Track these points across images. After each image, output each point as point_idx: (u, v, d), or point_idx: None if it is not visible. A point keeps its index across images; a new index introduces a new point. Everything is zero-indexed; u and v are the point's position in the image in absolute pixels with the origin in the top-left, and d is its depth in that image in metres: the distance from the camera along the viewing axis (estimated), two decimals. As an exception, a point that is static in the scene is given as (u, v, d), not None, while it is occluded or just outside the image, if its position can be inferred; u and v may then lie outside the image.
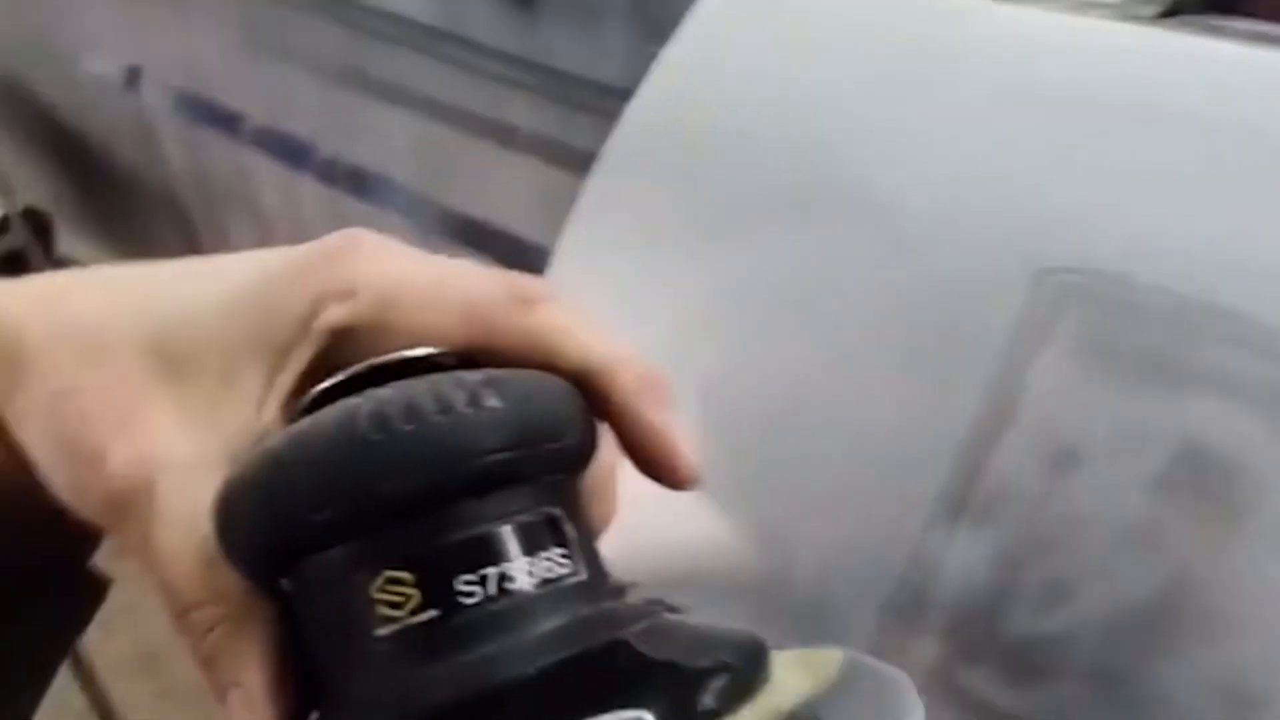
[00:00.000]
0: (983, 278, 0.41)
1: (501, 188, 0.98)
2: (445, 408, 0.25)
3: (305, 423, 0.26)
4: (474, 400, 0.25)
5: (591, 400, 0.29)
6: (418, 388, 0.25)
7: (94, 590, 0.37)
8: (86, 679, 1.18)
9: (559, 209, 0.52)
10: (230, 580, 0.27)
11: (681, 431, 0.30)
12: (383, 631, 0.25)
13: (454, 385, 0.26)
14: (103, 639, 1.21)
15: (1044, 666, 0.39)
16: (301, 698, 0.28)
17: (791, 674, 0.26)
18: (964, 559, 0.40)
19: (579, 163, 0.55)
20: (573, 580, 0.26)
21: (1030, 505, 0.38)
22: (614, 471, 0.33)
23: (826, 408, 0.44)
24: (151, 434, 0.29)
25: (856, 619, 0.42)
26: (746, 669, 0.25)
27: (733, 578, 0.44)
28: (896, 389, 0.42)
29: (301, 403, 0.28)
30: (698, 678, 0.24)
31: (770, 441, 0.46)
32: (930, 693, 0.37)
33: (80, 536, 0.32)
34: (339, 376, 0.27)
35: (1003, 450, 0.39)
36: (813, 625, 0.43)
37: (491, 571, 0.25)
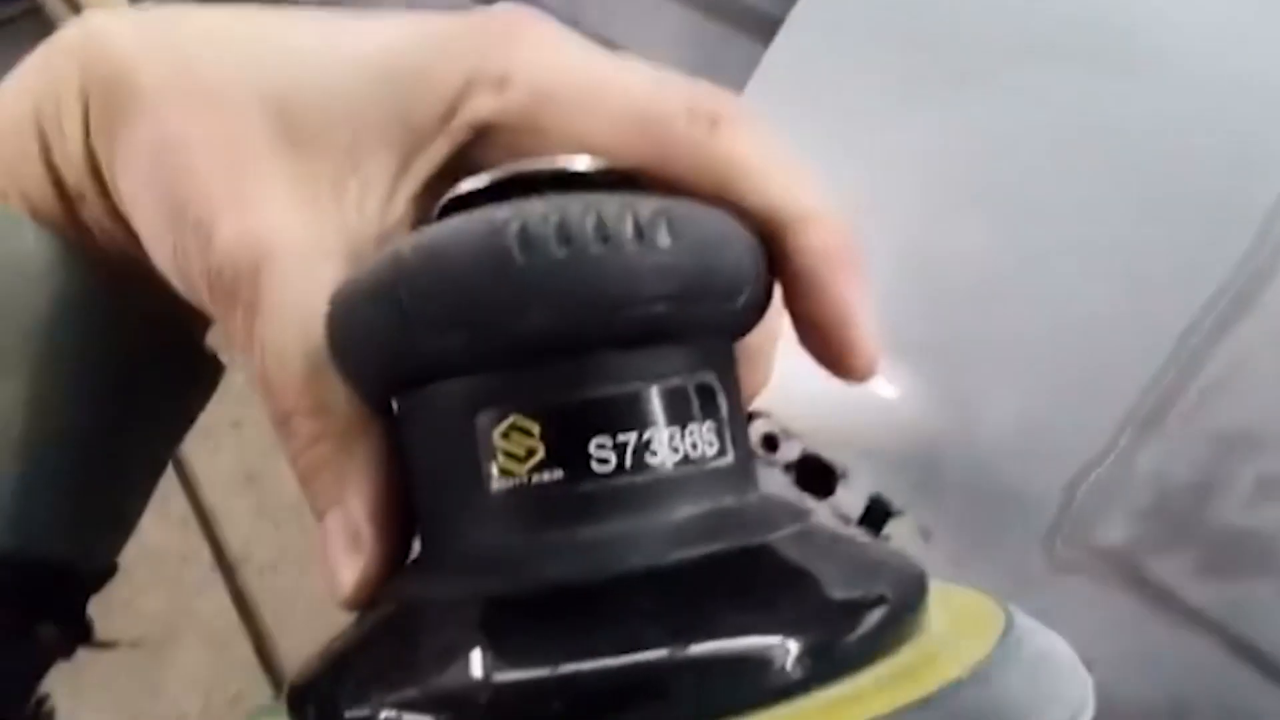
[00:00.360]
0: (1254, 148, 0.37)
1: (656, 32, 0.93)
2: (607, 236, 0.21)
3: (441, 229, 0.22)
4: (642, 233, 0.21)
5: (770, 252, 0.25)
6: (575, 207, 0.21)
7: (207, 373, 0.34)
8: (188, 486, 1.21)
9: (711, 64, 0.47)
10: (339, 392, 0.24)
11: (867, 313, 0.25)
12: (498, 484, 0.21)
13: (620, 210, 0.21)
14: (208, 451, 1.24)
15: (1242, 563, 0.36)
16: (404, 533, 0.25)
17: (950, 625, 0.22)
18: (1173, 445, 0.37)
19: (738, 16, 0.50)
20: (719, 463, 0.22)
21: (1256, 396, 0.37)
22: (775, 340, 0.28)
23: (1040, 275, 0.40)
24: (265, 210, 0.25)
25: (1040, 494, 0.39)
26: (904, 607, 0.21)
27: (905, 438, 0.41)
28: (1129, 260, 0.39)
29: (437, 205, 0.24)
30: (849, 609, 0.20)
31: (971, 306, 0.42)
32: (1111, 579, 0.35)
33: (191, 313, 0.29)
34: (482, 179, 0.23)
35: (1235, 338, 0.37)
36: (988, 496, 0.40)
37: (630, 438, 0.21)
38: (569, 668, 0.19)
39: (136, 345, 0.31)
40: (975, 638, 0.21)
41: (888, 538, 0.43)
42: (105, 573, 0.36)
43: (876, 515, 0.43)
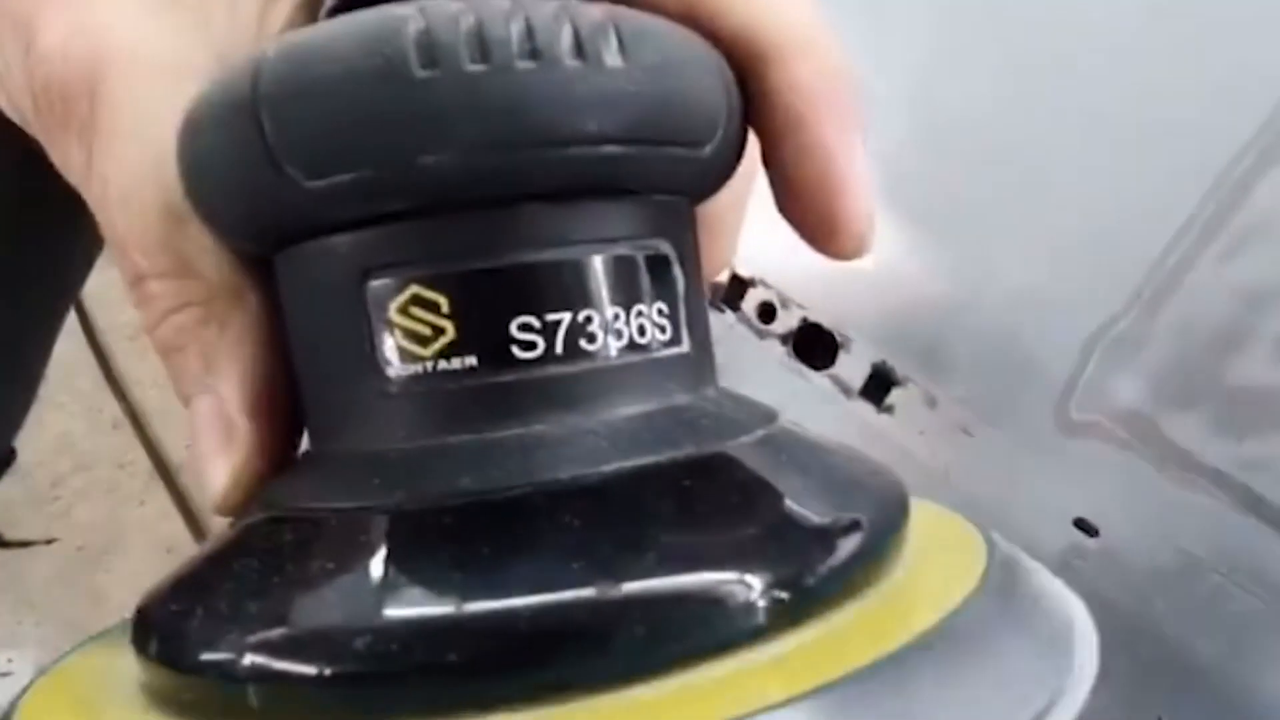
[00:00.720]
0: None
1: None
2: (537, 49, 0.16)
3: (317, 31, 0.17)
4: (583, 47, 0.16)
5: (746, 90, 0.19)
6: (495, 8, 0.16)
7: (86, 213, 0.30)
8: (117, 387, 1.16)
9: None
10: (205, 248, 0.19)
11: (862, 177, 0.20)
12: (397, 371, 0.17)
13: (555, 16, 0.16)
14: (138, 352, 1.18)
15: (1261, 421, 0.35)
16: (288, 423, 0.20)
17: (927, 558, 0.18)
18: (1200, 294, 0.35)
19: None
20: (670, 352, 0.18)
21: None
22: (744, 204, 0.24)
23: (1056, 130, 0.37)
24: (103, 6, 0.20)
25: (1054, 356, 0.37)
26: (880, 533, 0.17)
27: (910, 303, 0.38)
28: (1151, 113, 0.36)
29: (325, 7, 0.19)
30: (819, 536, 0.16)
31: (981, 164, 0.39)
32: (1126, 441, 0.34)
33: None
34: None
35: (1259, 193, 0.35)
36: (997, 361, 0.38)
37: (563, 318, 0.17)
38: (471, 607, 0.15)
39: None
40: (957, 574, 0.18)
41: (891, 407, 0.42)
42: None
43: (879, 384, 0.41)
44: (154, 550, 1.13)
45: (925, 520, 0.20)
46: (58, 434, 1.06)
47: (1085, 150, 0.38)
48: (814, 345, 0.42)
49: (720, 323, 0.44)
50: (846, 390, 0.42)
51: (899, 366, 0.40)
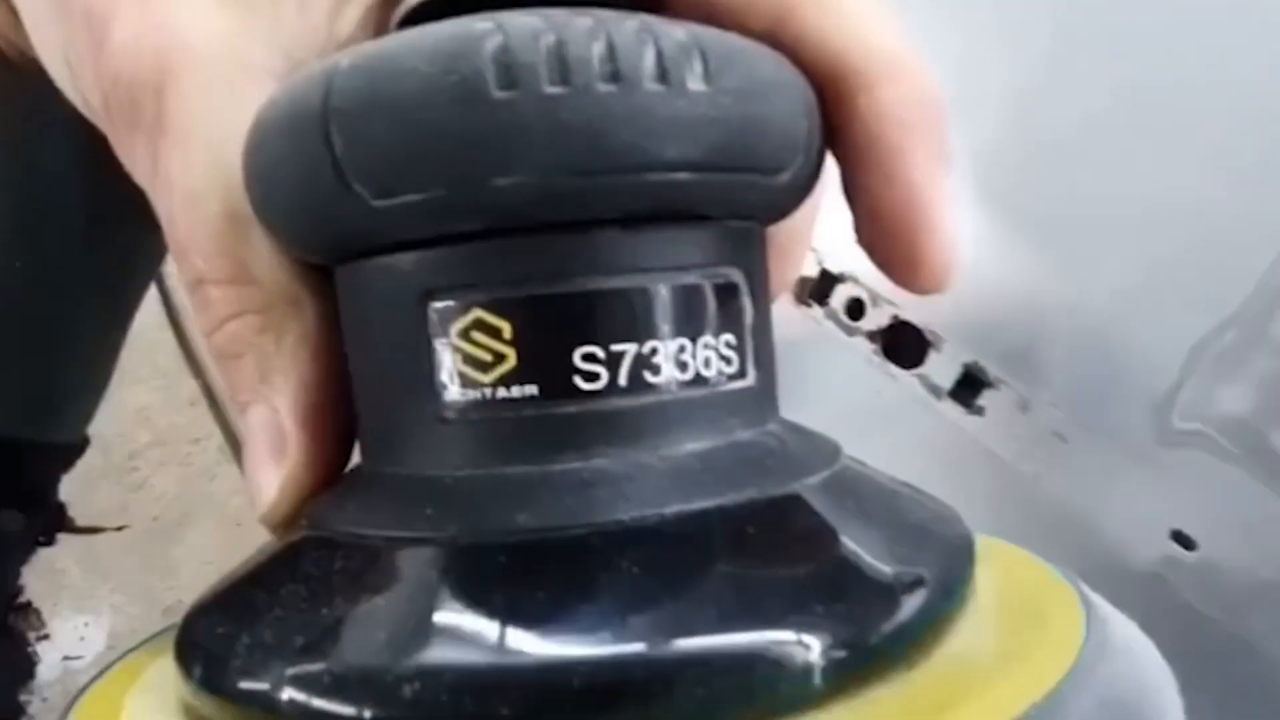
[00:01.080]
0: None
1: None
2: (618, 72, 0.15)
3: (392, 43, 0.16)
4: (667, 71, 0.15)
5: (829, 113, 0.19)
6: (578, 27, 0.15)
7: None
8: (195, 366, 1.18)
9: None
10: (266, 254, 0.19)
11: (947, 210, 0.19)
12: (455, 397, 0.17)
13: (638, 37, 0.16)
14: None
15: None
16: (342, 436, 0.20)
17: (1011, 615, 0.17)
18: None
19: None
20: (736, 385, 0.18)
21: None
22: (814, 222, 0.23)
23: (1169, 126, 0.36)
24: (175, 4, 0.20)
25: (1157, 362, 0.36)
26: (948, 588, 0.16)
27: (1005, 303, 0.38)
28: (1271, 108, 0.35)
29: (397, 12, 0.18)
30: (884, 593, 0.16)
31: (1086, 161, 0.38)
32: (1229, 448, 0.33)
33: None
34: None
35: None
36: (1096, 365, 0.37)
37: (628, 349, 0.16)
38: (525, 659, 0.14)
39: (57, 168, 0.26)
40: (1037, 646, 0.16)
41: (981, 409, 0.41)
42: (70, 448, 0.32)
43: (970, 386, 0.40)
44: (224, 524, 1.16)
45: (1011, 567, 0.19)
46: (137, 408, 1.09)
47: (1194, 152, 0.36)
48: (903, 344, 0.42)
49: (807, 318, 0.43)
50: (935, 391, 0.41)
51: (991, 368, 0.40)
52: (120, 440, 1.09)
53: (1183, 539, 0.36)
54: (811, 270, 0.43)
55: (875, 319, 0.43)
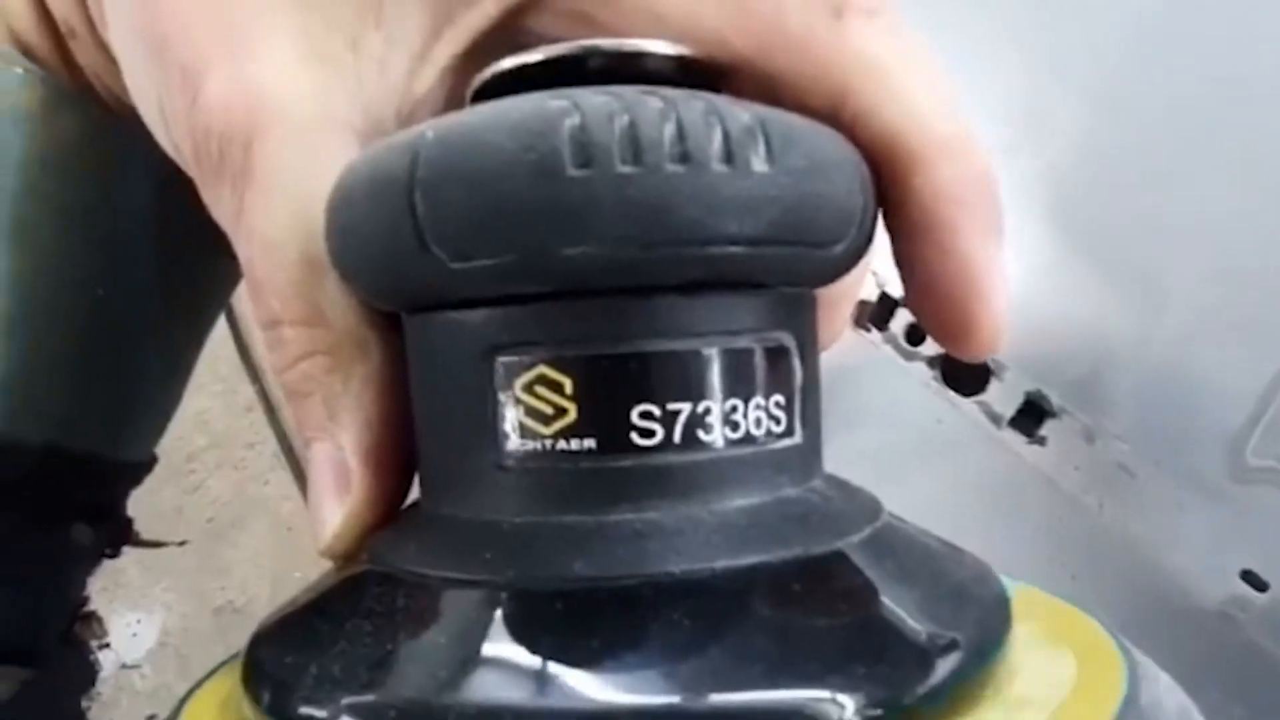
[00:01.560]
0: None
1: None
2: (687, 153, 0.16)
3: (476, 115, 0.17)
4: (732, 152, 0.16)
5: (884, 188, 0.20)
6: (650, 108, 0.16)
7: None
8: (254, 373, 1.21)
9: None
10: (338, 300, 0.20)
11: (1000, 282, 0.20)
12: (516, 446, 0.17)
13: (706, 119, 0.16)
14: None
15: None
16: (403, 474, 0.21)
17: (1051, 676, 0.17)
18: None
19: None
20: (784, 444, 0.18)
21: None
22: (862, 281, 0.24)
23: (1239, 149, 0.35)
24: (265, 61, 0.21)
25: (1231, 395, 0.34)
26: (977, 653, 0.17)
27: (1070, 330, 0.37)
28: None
29: (473, 82, 0.19)
30: (923, 654, 0.16)
31: (1154, 185, 0.37)
32: None
33: None
34: (534, 55, 0.19)
35: None
36: (1165, 397, 0.36)
37: (683, 408, 0.17)
38: (579, 706, 0.15)
39: (142, 202, 0.27)
40: (1071, 705, 0.17)
41: (1043, 439, 0.40)
42: (140, 465, 0.33)
43: (1032, 415, 0.40)
44: (276, 527, 1.18)
45: (1053, 620, 0.20)
46: (196, 411, 1.11)
47: (1272, 178, 0.35)
48: (963, 371, 0.41)
49: (865, 343, 0.43)
50: (996, 419, 0.40)
51: (1054, 397, 0.39)
52: (179, 443, 1.11)
53: (1253, 579, 0.35)
54: (871, 294, 0.43)
55: (934, 344, 0.42)
